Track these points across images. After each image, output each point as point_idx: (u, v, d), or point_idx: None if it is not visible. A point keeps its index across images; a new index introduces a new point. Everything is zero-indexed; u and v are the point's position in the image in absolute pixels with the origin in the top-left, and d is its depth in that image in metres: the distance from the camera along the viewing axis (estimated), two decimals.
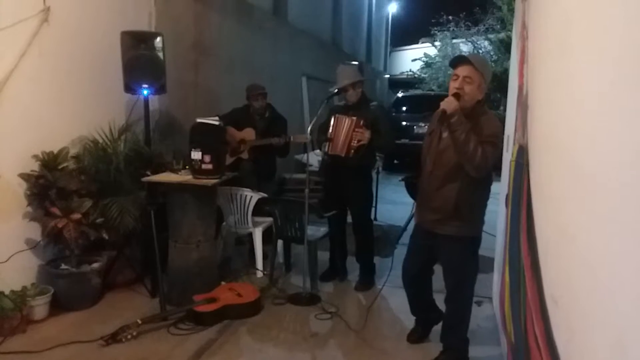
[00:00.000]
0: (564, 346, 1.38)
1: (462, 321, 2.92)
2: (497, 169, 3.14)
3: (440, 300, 3.28)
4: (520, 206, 2.26)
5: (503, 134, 2.61)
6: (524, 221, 2.11)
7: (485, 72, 2.65)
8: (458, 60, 2.69)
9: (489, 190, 2.81)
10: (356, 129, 3.82)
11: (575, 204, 1.36)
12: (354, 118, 3.82)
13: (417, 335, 3.25)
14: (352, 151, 3.84)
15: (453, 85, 2.63)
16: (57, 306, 3.46)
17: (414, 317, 3.28)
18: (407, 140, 9.65)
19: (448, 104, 2.55)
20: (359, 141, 3.81)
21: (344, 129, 3.86)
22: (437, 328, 3.19)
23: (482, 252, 4.23)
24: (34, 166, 3.45)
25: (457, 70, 2.64)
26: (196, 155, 3.60)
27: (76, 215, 3.41)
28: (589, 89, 1.30)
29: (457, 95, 2.58)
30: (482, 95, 2.63)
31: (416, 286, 3.12)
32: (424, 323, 3.26)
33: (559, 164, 1.59)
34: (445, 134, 2.70)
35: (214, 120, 3.71)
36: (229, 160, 4.54)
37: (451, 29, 14.92)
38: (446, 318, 2.97)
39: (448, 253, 2.82)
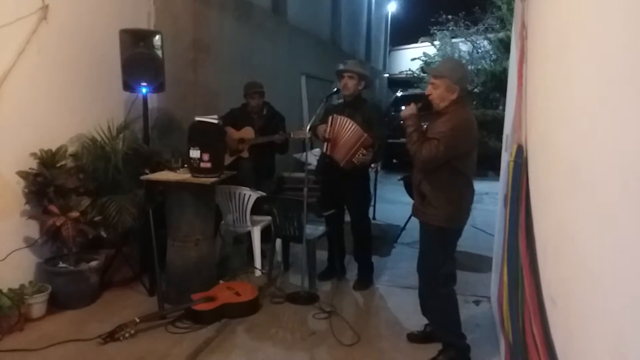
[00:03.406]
0: (562, 346, 1.38)
1: (445, 314, 2.98)
2: (496, 168, 3.16)
3: None
4: (519, 205, 2.26)
5: (455, 130, 2.76)
6: (523, 220, 2.11)
7: (449, 76, 2.81)
8: (424, 71, 2.99)
9: (462, 185, 2.90)
10: (362, 149, 3.78)
11: (573, 203, 1.36)
12: (366, 135, 3.76)
13: (419, 337, 3.23)
14: (350, 166, 3.84)
15: (427, 90, 2.97)
16: (55, 304, 3.46)
17: (413, 320, 3.28)
18: (405, 140, 9.64)
19: (405, 111, 2.99)
20: (360, 162, 3.81)
21: (350, 137, 3.81)
22: None
23: (480, 251, 4.26)
24: (32, 164, 3.45)
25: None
26: (195, 153, 3.60)
27: (74, 214, 3.41)
28: (587, 89, 1.30)
29: (427, 98, 2.90)
30: (454, 95, 2.81)
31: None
32: (430, 332, 3.21)
33: (558, 163, 1.59)
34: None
35: (213, 119, 3.70)
36: (228, 159, 4.53)
37: (450, 28, 14.90)
38: (430, 310, 3.07)
39: (420, 238, 3.05)
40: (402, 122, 2.98)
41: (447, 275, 2.96)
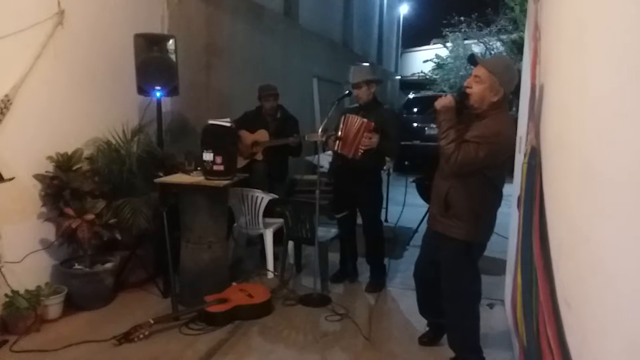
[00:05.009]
0: (577, 349, 1.37)
1: (462, 326, 2.85)
2: (510, 171, 3.12)
3: None
4: (533, 208, 2.25)
5: (499, 136, 2.55)
6: (537, 223, 2.09)
7: (499, 75, 2.58)
8: (471, 61, 2.73)
9: (493, 198, 2.73)
10: (366, 133, 3.79)
11: (588, 205, 1.35)
12: (365, 120, 3.80)
13: (428, 338, 3.23)
14: (359, 154, 3.83)
15: (466, 82, 2.70)
16: (71, 306, 3.50)
17: (426, 321, 3.26)
18: (418, 142, 9.61)
19: (440, 101, 2.65)
20: (367, 145, 3.81)
21: (354, 129, 3.85)
22: None
23: (494, 254, 4.23)
24: (49, 167, 3.50)
25: (474, 69, 2.69)
26: (208, 156, 3.62)
27: (90, 216, 3.45)
28: (601, 90, 1.30)
29: (464, 92, 2.64)
30: (496, 97, 2.57)
31: (423, 283, 3.10)
32: (435, 328, 3.22)
33: (572, 165, 1.58)
34: None
35: (225, 122, 3.73)
36: (242, 162, 4.56)
37: (463, 29, 14.85)
38: (447, 321, 2.94)
39: (441, 252, 2.81)
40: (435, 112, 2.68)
41: (474, 294, 2.85)
